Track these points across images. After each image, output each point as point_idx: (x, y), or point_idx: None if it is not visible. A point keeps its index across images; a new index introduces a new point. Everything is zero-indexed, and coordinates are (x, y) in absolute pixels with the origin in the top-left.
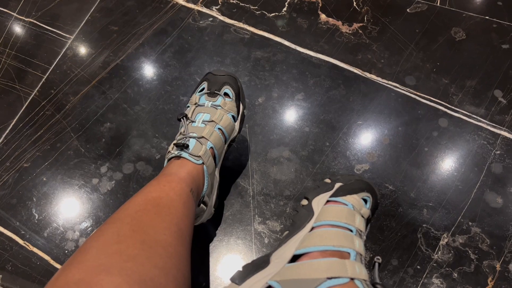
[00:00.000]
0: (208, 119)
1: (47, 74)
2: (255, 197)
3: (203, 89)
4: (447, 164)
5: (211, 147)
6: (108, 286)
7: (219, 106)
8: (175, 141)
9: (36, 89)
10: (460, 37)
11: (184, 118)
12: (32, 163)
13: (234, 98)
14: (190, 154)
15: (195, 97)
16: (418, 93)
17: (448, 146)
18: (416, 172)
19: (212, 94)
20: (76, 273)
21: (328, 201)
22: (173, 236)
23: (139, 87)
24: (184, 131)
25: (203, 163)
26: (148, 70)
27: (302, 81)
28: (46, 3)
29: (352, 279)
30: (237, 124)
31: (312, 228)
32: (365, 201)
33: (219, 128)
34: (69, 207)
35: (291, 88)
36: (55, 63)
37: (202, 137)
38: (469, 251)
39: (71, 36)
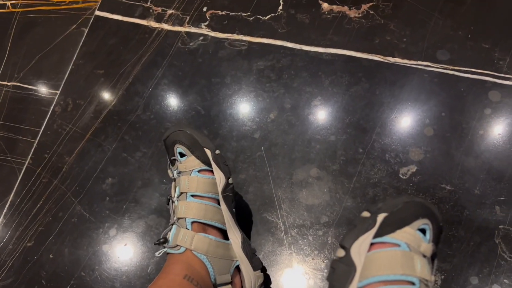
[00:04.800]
0: (179, 192)
1: (38, 137)
2: (288, 231)
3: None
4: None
5: (193, 222)
6: None
7: (180, 172)
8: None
9: (29, 157)
10: None
11: (170, 201)
12: (36, 240)
13: (190, 152)
14: (170, 246)
15: (168, 172)
16: (456, 68)
17: (507, 122)
18: (475, 162)
19: (171, 162)
20: None
21: (372, 244)
22: None
23: (136, 131)
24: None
25: (186, 249)
26: (143, 109)
27: (316, 83)
28: (27, 62)
29: None
30: (215, 173)
31: None
32: (423, 231)
33: (192, 196)
34: (81, 285)
35: (305, 94)
36: (44, 124)
37: (179, 218)
38: None
39: (57, 91)
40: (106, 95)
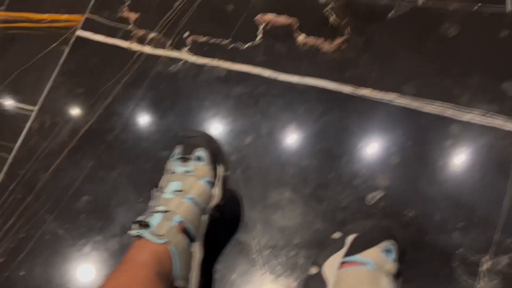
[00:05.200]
0: (179, 188)
1: (13, 154)
2: (262, 252)
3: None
4: (469, 174)
5: (180, 221)
6: None
7: (191, 172)
8: (139, 217)
9: (3, 173)
10: (453, 33)
11: (154, 189)
12: (7, 257)
13: (208, 161)
14: (152, 233)
15: (169, 163)
16: (420, 101)
17: (466, 153)
18: (436, 190)
19: (184, 159)
20: None
21: (342, 262)
22: None
23: (114, 150)
24: (152, 205)
25: (167, 242)
26: (122, 129)
27: (291, 111)
28: (5, 77)
29: None
30: (216, 189)
31: None
32: (389, 251)
33: (190, 198)
34: None
35: (280, 121)
36: (20, 140)
37: (169, 210)
38: None
39: (34, 108)
40: (85, 114)
